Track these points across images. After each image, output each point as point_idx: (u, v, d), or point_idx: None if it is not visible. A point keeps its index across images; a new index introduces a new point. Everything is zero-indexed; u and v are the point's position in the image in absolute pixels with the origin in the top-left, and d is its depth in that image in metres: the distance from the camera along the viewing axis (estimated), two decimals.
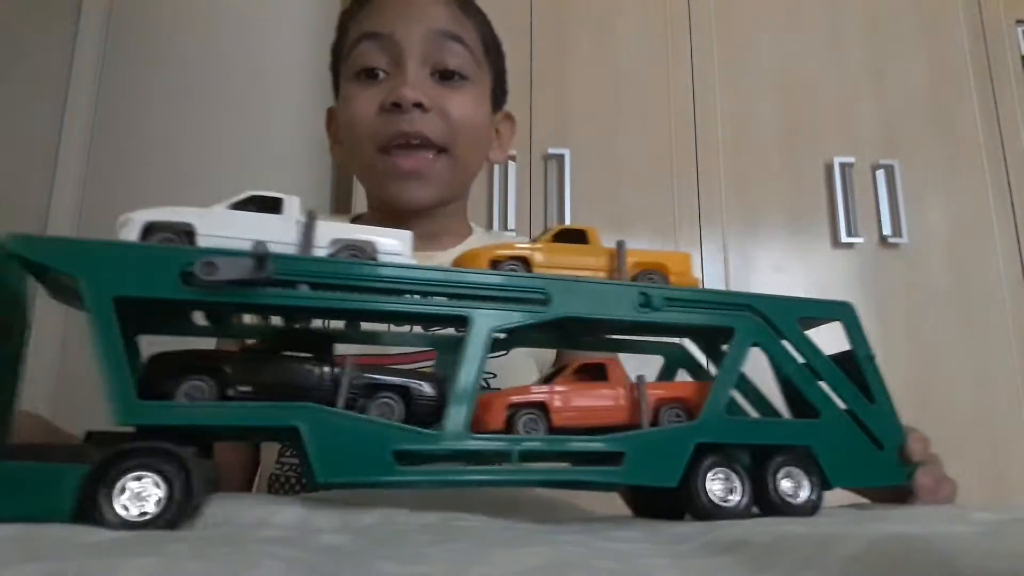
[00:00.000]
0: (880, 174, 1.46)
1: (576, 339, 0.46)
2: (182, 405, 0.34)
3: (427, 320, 0.41)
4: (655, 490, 0.40)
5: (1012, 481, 1.33)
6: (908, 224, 1.44)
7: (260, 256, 0.34)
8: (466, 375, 0.36)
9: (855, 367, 0.43)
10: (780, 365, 0.42)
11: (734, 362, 0.41)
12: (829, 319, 0.44)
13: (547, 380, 0.40)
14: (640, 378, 0.40)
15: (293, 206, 0.38)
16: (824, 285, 1.43)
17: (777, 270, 1.45)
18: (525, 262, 0.40)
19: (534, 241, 0.42)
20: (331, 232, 0.38)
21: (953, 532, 0.24)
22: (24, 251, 0.32)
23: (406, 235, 0.39)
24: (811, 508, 0.39)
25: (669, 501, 0.41)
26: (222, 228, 0.36)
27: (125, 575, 0.21)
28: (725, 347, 0.45)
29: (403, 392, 0.38)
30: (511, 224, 1.40)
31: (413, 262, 0.38)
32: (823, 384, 0.43)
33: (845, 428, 0.42)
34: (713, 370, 0.46)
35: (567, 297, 0.38)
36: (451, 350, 0.44)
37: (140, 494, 0.30)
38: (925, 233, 1.45)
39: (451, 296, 0.37)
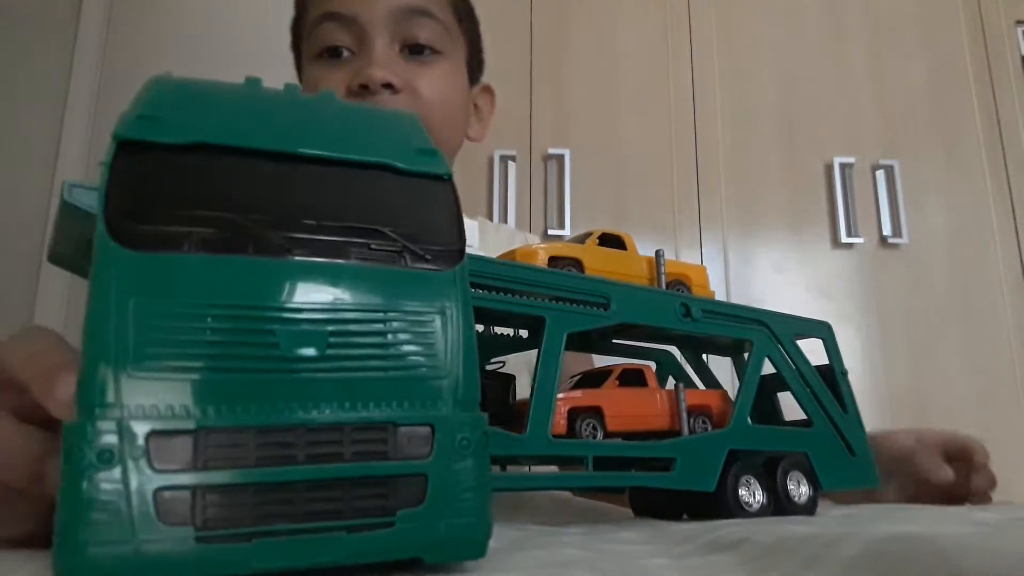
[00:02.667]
0: (880, 174, 1.46)
1: (592, 342, 0.47)
2: None
3: (496, 318, 0.39)
4: (657, 490, 0.42)
5: (1012, 481, 1.33)
6: (908, 224, 1.44)
7: None
8: (547, 379, 0.35)
9: (832, 380, 0.47)
10: (783, 375, 0.45)
11: (754, 373, 0.43)
12: (814, 336, 0.48)
13: (590, 383, 0.42)
14: (678, 386, 0.42)
15: None
16: (824, 285, 1.43)
17: (777, 270, 1.45)
18: (579, 264, 0.41)
19: (581, 243, 0.44)
20: None
21: (954, 532, 0.24)
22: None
23: (472, 224, 0.37)
24: (812, 508, 0.42)
25: (669, 500, 0.43)
26: None
27: None
28: (705, 357, 0.49)
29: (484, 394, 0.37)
30: (511, 224, 1.40)
31: (480, 252, 0.37)
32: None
33: (831, 436, 0.45)
34: (696, 378, 0.49)
35: (625, 303, 0.39)
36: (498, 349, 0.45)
37: None
38: (925, 233, 1.45)
39: (521, 293, 0.36)
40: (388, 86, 0.64)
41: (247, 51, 1.44)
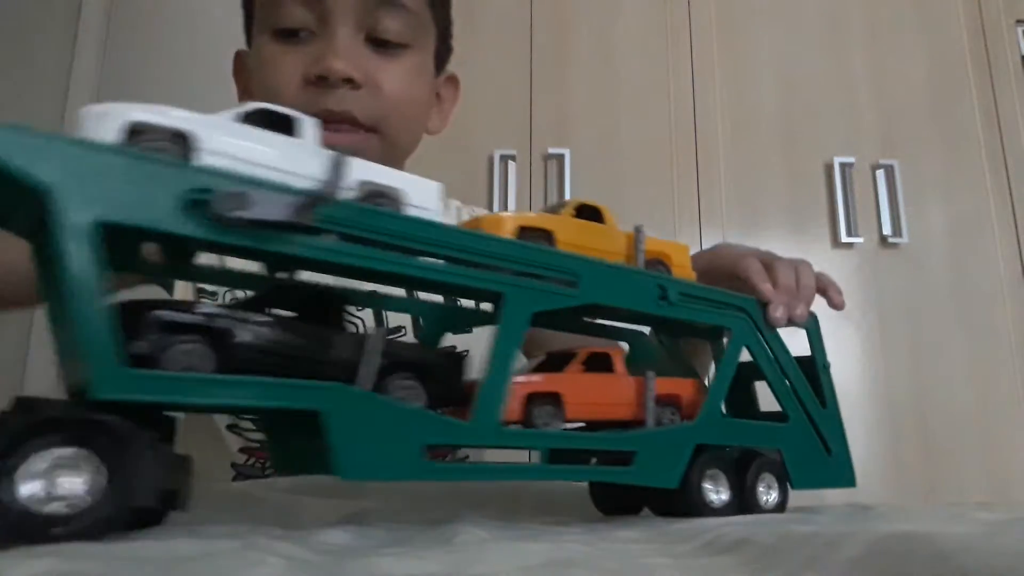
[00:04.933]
0: (880, 174, 1.46)
1: (559, 319, 0.43)
2: (181, 378, 0.26)
3: (452, 290, 0.37)
4: (618, 487, 0.40)
5: (1012, 481, 1.33)
6: (908, 224, 1.44)
7: (316, 197, 0.27)
8: (502, 362, 0.32)
9: (812, 373, 0.45)
10: (761, 366, 0.42)
11: (730, 362, 0.41)
12: (798, 326, 0.46)
13: (552, 366, 0.38)
14: (648, 374, 0.39)
15: (310, 130, 0.31)
16: None
17: None
18: (550, 236, 0.37)
19: (555, 212, 0.39)
20: (358, 172, 0.31)
21: (954, 532, 0.24)
22: None
23: (436, 187, 0.34)
24: (780, 509, 0.41)
25: (629, 494, 0.41)
26: (230, 144, 0.28)
27: (129, 573, 0.21)
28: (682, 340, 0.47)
29: (422, 372, 0.32)
30: None
31: (440, 219, 0.33)
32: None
33: (807, 432, 0.43)
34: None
35: (595, 282, 0.36)
36: (437, 319, 0.41)
37: (58, 482, 0.23)
38: (925, 233, 1.45)
39: (479, 266, 0.33)
40: (348, 80, 0.59)
41: None
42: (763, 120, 1.50)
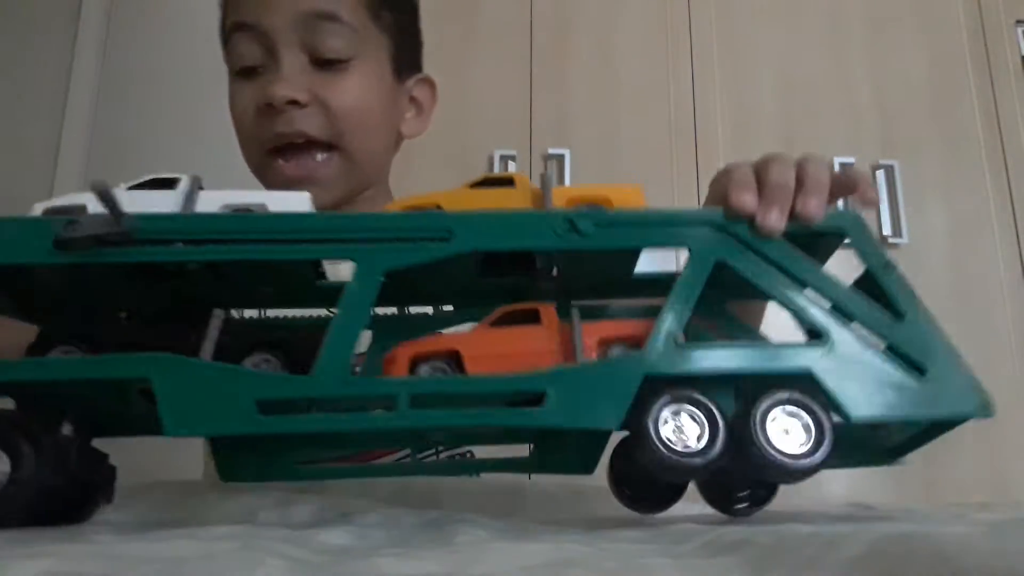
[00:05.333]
0: (880, 174, 1.46)
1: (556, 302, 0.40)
2: (27, 361, 0.33)
3: (303, 270, 0.37)
4: (641, 478, 0.37)
5: (1012, 481, 1.33)
6: (908, 224, 1.44)
7: (111, 206, 0.33)
8: (347, 315, 0.32)
9: (873, 285, 0.36)
10: (757, 282, 0.35)
11: (691, 278, 0.34)
12: (830, 235, 0.37)
13: None
14: (573, 312, 0.35)
15: (185, 183, 0.37)
16: None
17: None
18: (438, 209, 0.37)
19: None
20: (222, 199, 0.37)
21: (954, 532, 0.24)
22: None
23: (304, 196, 0.37)
24: (814, 463, 0.31)
25: (660, 489, 0.37)
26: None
27: (129, 573, 0.21)
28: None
29: (286, 349, 0.35)
30: None
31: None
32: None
33: (861, 351, 0.33)
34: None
35: (474, 231, 0.34)
36: (388, 331, 0.40)
37: None
38: (925, 233, 1.45)
39: (338, 242, 0.34)
40: (294, 103, 0.62)
41: None
42: (763, 120, 1.50)
